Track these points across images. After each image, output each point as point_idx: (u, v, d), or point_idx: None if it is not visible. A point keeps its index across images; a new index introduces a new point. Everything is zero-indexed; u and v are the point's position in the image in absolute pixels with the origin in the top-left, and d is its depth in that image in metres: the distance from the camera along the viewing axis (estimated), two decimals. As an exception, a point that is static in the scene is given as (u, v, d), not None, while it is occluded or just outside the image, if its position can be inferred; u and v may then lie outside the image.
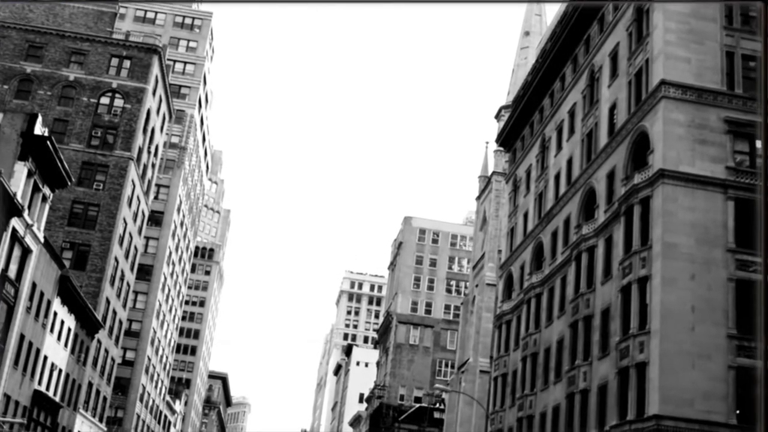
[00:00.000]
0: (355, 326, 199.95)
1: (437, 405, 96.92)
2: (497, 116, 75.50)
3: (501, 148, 70.44)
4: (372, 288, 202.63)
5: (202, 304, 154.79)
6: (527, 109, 58.09)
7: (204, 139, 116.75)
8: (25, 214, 44.93)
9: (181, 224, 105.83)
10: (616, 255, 38.77)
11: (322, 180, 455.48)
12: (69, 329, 58.49)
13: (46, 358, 53.90)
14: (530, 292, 50.67)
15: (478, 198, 76.88)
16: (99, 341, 68.02)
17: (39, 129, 45.86)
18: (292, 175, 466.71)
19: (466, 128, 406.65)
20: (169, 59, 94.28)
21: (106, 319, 69.78)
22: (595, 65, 45.69)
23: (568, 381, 42.04)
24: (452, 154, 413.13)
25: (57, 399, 57.18)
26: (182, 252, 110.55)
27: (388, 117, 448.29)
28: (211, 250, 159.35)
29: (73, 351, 60.30)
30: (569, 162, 47.88)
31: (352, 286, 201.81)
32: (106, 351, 71.66)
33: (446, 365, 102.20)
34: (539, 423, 46.23)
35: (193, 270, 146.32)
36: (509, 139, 62.52)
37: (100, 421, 72.66)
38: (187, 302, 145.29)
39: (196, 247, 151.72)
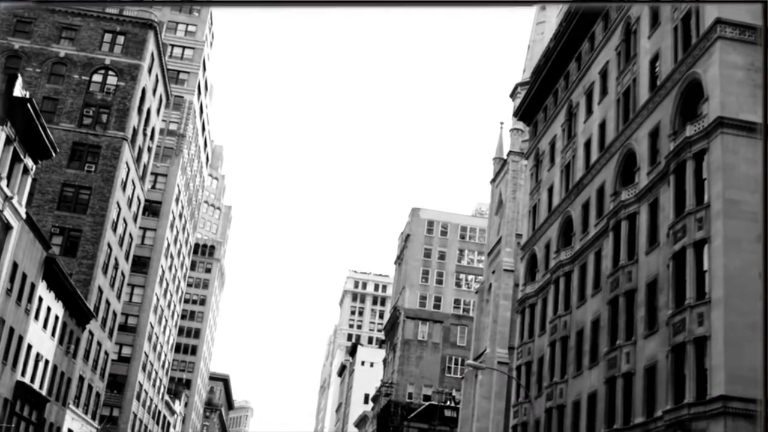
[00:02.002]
0: (359, 326, 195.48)
1: (448, 402, 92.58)
2: (512, 95, 71.23)
3: (518, 126, 66.27)
4: (376, 287, 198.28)
5: (202, 302, 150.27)
6: (549, 77, 53.85)
7: (204, 129, 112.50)
8: (3, 184, 40.74)
9: (180, 216, 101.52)
10: (664, 219, 34.44)
11: (325, 177, 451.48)
12: (56, 317, 54.16)
13: (30, 346, 49.57)
14: (558, 271, 46.31)
15: (493, 181, 72.61)
16: (91, 333, 63.70)
17: (19, 91, 41.73)
18: (294, 172, 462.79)
19: (472, 119, 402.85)
20: (167, 43, 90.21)
21: (98, 310, 65.45)
22: (631, 17, 41.43)
23: (607, 364, 37.65)
24: (458, 147, 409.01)
25: (43, 392, 52.82)
26: (181, 245, 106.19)
27: (391, 111, 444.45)
28: (212, 247, 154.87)
29: (61, 341, 55.96)
30: (602, 126, 43.59)
31: (356, 286, 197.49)
32: (99, 344, 67.30)
33: (456, 362, 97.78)
34: (572, 413, 41.84)
35: (193, 267, 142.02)
36: (529, 111, 58.26)
37: (93, 418, 68.24)
38: (186, 300, 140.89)
39: (196, 244, 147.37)
